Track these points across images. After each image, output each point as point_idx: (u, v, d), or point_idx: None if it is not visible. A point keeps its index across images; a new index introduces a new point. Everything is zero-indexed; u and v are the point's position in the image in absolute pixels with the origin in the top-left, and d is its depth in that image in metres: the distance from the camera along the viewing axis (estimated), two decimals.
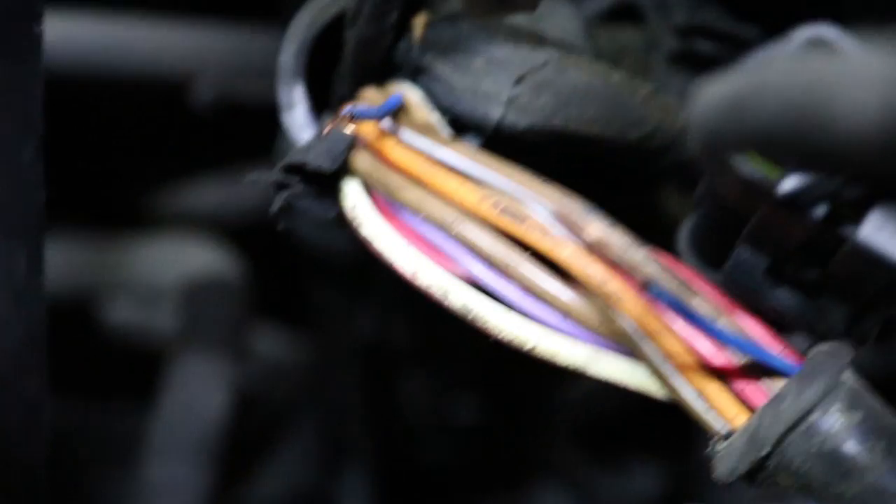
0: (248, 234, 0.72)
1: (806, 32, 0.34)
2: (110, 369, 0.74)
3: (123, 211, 0.75)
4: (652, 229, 0.46)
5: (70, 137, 0.77)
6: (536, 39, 0.44)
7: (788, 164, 0.31)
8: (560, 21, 0.47)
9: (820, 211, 0.34)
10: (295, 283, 0.71)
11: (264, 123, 0.56)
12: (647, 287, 0.33)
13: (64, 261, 0.73)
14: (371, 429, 0.73)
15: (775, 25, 0.48)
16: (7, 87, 0.34)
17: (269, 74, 0.49)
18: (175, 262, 0.71)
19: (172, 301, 0.70)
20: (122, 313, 0.73)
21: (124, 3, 0.67)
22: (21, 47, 0.34)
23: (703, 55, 0.49)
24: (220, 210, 0.74)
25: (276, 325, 0.77)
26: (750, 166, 0.34)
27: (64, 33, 0.65)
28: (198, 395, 0.65)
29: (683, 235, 0.43)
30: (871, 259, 0.34)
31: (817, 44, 0.33)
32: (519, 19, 0.45)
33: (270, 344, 0.76)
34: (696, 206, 0.41)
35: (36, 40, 0.35)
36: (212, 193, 0.75)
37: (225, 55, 0.67)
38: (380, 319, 0.68)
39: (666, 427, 0.65)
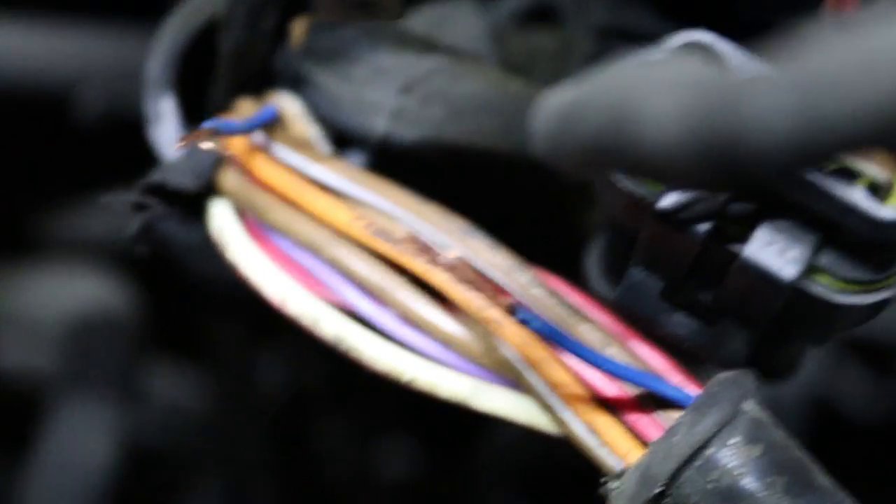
0: (140, 262, 0.76)
1: (681, 38, 0.38)
2: None
3: None
4: (563, 246, 0.50)
5: None
6: (428, 46, 0.48)
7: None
8: (460, 26, 0.51)
9: (704, 227, 0.38)
10: (194, 318, 0.74)
11: None
12: (513, 311, 0.37)
13: None
14: (284, 485, 0.76)
15: (698, 25, 0.52)
16: None
17: None
18: (57, 293, 0.75)
19: (54, 338, 0.74)
20: None
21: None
22: None
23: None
24: (108, 235, 0.78)
25: (176, 364, 0.80)
26: (631, 180, 0.38)
27: None
28: (80, 443, 0.69)
29: (590, 257, 0.47)
30: (760, 276, 0.37)
31: (693, 48, 0.37)
32: (412, 24, 0.49)
33: (168, 386, 0.80)
34: (599, 226, 0.45)
35: None
36: (99, 217, 0.78)
37: (113, 62, 0.71)
38: (290, 359, 0.72)
39: None
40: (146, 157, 0.67)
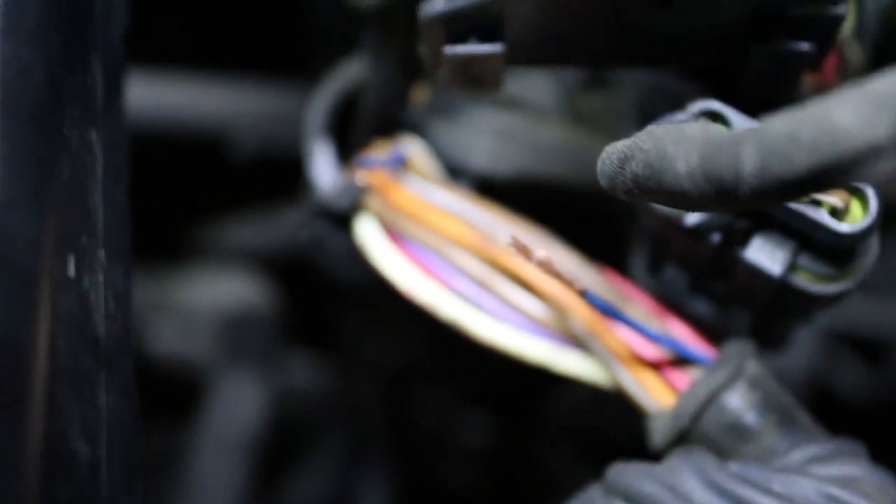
0: (280, 267, 0.91)
1: (700, 105, 0.50)
2: (153, 393, 0.92)
3: (168, 247, 0.94)
4: (614, 249, 0.62)
5: None
6: (515, 103, 0.61)
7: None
8: (541, 89, 0.64)
9: (716, 238, 0.50)
10: (322, 313, 0.89)
11: (293, 171, 0.73)
12: (583, 294, 0.50)
13: None
14: (391, 446, 0.90)
15: (721, 86, 0.65)
16: (109, 148, 0.51)
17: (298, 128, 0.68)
18: (212, 291, 0.90)
19: (210, 328, 0.89)
20: (163, 341, 0.92)
21: (171, 63, 0.86)
22: (115, 114, 0.52)
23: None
24: (255, 246, 0.93)
25: (307, 350, 0.95)
26: (664, 207, 0.51)
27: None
28: (236, 412, 0.84)
29: (633, 257, 0.60)
30: (756, 272, 0.49)
31: (707, 114, 0.50)
32: (505, 89, 0.63)
33: (300, 368, 0.94)
34: (639, 234, 0.58)
35: (122, 105, 0.53)
36: (248, 231, 0.94)
37: (262, 110, 0.87)
38: (399, 345, 0.85)
39: None
40: (283, 185, 0.82)
